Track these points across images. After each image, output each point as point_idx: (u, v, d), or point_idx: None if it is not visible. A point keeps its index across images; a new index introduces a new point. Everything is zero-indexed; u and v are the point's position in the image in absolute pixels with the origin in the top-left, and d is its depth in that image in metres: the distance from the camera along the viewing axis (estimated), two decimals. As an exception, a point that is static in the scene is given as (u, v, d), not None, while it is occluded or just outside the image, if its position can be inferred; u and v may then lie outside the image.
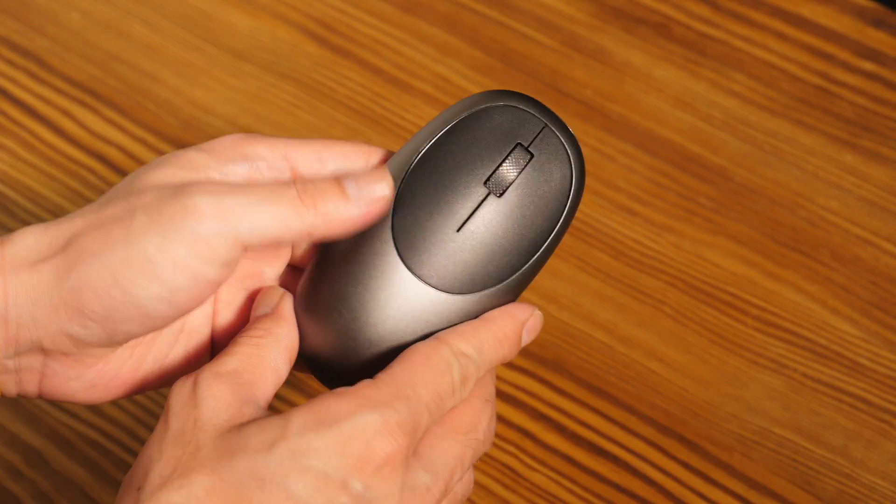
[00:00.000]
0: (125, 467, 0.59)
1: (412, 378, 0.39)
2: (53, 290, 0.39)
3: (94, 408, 0.61)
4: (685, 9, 0.77)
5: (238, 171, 0.41)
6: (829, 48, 0.75)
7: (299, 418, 0.37)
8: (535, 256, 0.43)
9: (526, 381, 0.62)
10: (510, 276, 0.43)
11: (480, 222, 0.42)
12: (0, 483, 0.58)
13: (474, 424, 0.41)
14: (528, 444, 0.60)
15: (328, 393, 0.39)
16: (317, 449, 0.37)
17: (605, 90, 0.73)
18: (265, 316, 0.42)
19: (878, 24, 0.76)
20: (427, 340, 0.41)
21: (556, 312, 0.64)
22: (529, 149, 0.42)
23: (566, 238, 0.67)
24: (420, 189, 0.42)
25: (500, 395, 0.62)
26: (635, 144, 0.71)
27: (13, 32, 0.76)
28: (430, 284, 0.42)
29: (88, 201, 0.68)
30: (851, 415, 0.61)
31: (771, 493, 0.58)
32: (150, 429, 0.60)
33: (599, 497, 0.59)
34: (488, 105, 0.43)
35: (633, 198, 0.69)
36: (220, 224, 0.38)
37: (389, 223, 0.42)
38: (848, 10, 0.77)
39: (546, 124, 0.43)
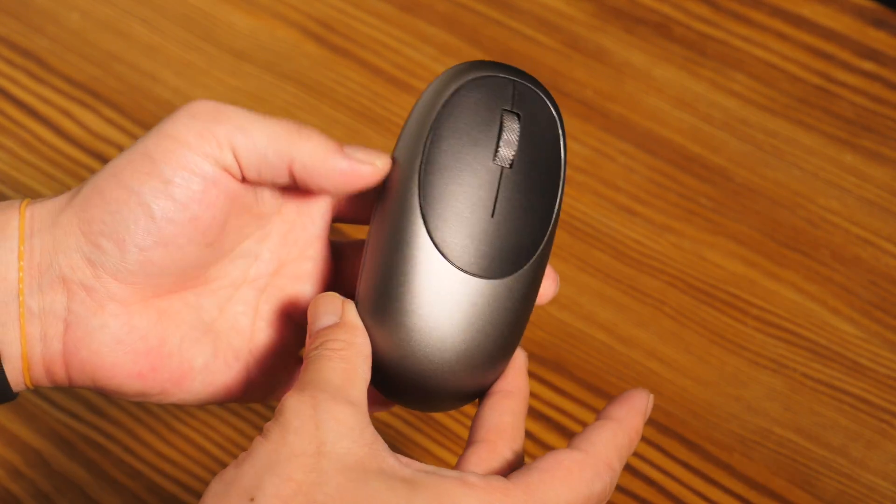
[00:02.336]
0: (125, 467, 0.59)
1: (546, 493, 0.39)
2: (68, 208, 0.41)
3: (94, 408, 0.61)
4: (685, 9, 0.77)
5: None
6: (829, 48, 0.75)
7: (425, 499, 0.37)
8: (556, 210, 0.43)
9: (526, 381, 0.62)
10: (542, 241, 0.43)
11: (507, 200, 0.42)
12: (0, 483, 0.58)
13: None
14: (528, 444, 0.60)
15: (458, 479, 0.38)
16: None
17: (605, 90, 0.73)
18: (335, 326, 0.42)
19: (878, 24, 0.76)
20: (573, 452, 0.40)
21: (556, 312, 0.64)
22: (514, 110, 0.43)
23: (566, 238, 0.67)
24: (439, 188, 0.42)
25: (500, 395, 0.62)
26: (635, 144, 0.71)
27: (13, 32, 0.76)
28: (480, 276, 0.42)
29: (88, 201, 0.68)
30: (851, 415, 0.61)
31: (771, 493, 0.58)
32: (151, 429, 0.60)
33: (599, 497, 0.59)
34: (459, 84, 0.43)
35: (633, 198, 0.69)
36: (213, 122, 0.41)
37: (424, 229, 0.42)
38: (848, 10, 0.77)
39: (512, 80, 0.43)
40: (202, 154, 0.41)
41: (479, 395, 0.44)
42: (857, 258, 0.66)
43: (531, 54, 0.75)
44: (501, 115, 0.43)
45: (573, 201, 0.68)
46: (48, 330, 0.41)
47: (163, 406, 0.61)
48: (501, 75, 0.43)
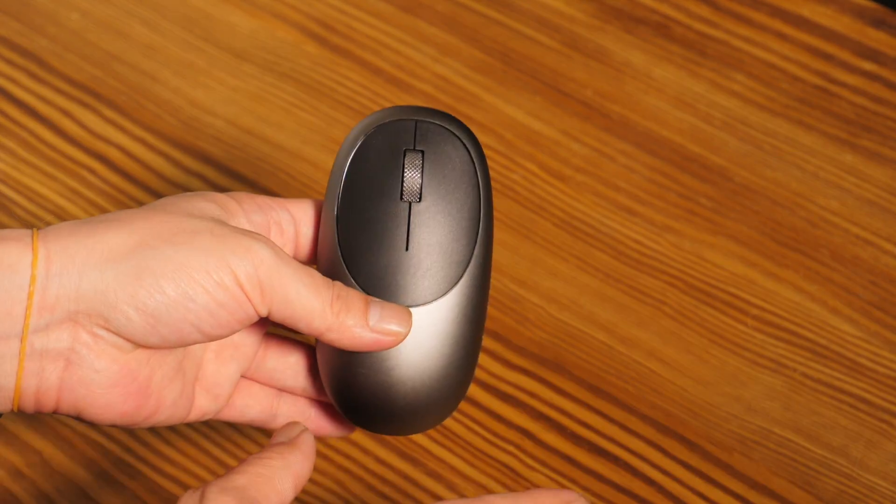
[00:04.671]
0: (125, 467, 0.59)
1: None
2: (106, 269, 0.41)
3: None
4: (685, 9, 0.77)
5: (257, 220, 0.47)
6: (829, 48, 0.75)
7: None
8: (480, 233, 0.46)
9: (526, 381, 0.62)
10: (470, 261, 0.45)
11: (420, 231, 0.45)
12: (0, 483, 0.58)
13: None
14: (528, 444, 0.60)
15: None
16: None
17: (605, 90, 0.73)
18: (282, 443, 0.44)
19: (878, 24, 0.76)
20: None
21: (556, 312, 0.64)
22: (416, 148, 0.46)
23: (566, 238, 0.67)
24: (353, 236, 0.45)
25: (500, 394, 0.62)
26: (635, 144, 0.71)
27: (13, 32, 0.76)
28: (409, 305, 0.45)
29: (88, 201, 0.68)
30: (851, 415, 0.61)
31: (771, 493, 0.58)
32: (151, 429, 0.60)
33: (599, 497, 0.59)
34: (364, 137, 0.46)
35: (633, 198, 0.69)
36: (271, 278, 0.43)
37: (348, 275, 0.45)
38: (848, 10, 0.77)
39: (415, 120, 0.46)
40: (253, 300, 0.43)
41: (446, 416, 0.48)
42: (857, 258, 0.66)
43: (531, 54, 0.75)
44: (404, 155, 0.45)
45: (573, 201, 0.68)
46: (47, 366, 0.42)
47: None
48: (405, 118, 0.46)
